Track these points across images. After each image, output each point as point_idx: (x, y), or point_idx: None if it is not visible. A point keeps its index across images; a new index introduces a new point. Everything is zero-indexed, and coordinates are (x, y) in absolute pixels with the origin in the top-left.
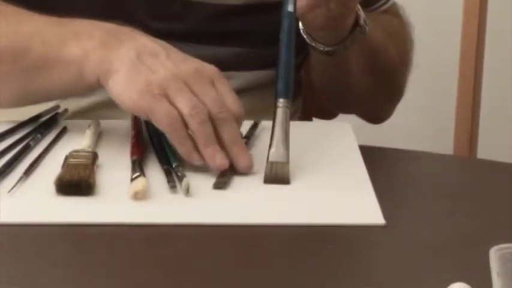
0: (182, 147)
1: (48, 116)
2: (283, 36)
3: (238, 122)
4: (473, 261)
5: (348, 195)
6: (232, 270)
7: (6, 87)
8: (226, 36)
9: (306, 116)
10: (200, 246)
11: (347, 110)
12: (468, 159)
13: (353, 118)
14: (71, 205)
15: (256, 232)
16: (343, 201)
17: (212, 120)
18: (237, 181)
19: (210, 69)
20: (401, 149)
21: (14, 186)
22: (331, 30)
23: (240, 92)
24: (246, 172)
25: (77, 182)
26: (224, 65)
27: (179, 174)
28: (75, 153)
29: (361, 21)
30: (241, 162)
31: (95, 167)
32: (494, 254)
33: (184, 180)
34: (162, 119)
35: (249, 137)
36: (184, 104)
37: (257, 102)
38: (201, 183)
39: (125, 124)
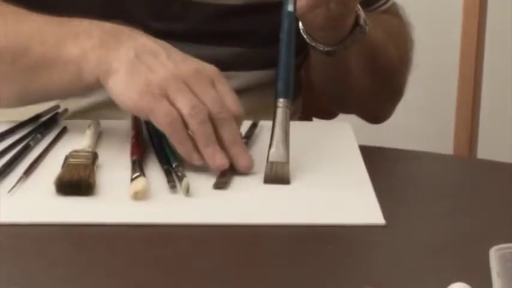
0: (182, 148)
1: (48, 116)
2: (283, 36)
3: (238, 122)
4: (473, 261)
5: (348, 195)
6: (232, 270)
7: (6, 87)
8: (226, 36)
9: (306, 116)
10: (200, 246)
11: (347, 110)
12: (468, 159)
13: (353, 118)
14: (71, 205)
15: (256, 232)
16: (343, 201)
17: (212, 120)
18: (237, 181)
19: (210, 69)
20: (401, 149)
21: (14, 186)
22: (331, 30)
23: (240, 92)
24: (246, 172)
25: (77, 182)
26: (224, 65)
27: (179, 174)
28: (75, 153)
29: (361, 21)
30: (241, 162)
31: (95, 167)
32: (494, 254)
33: (184, 180)
34: (162, 119)
35: (248, 137)
36: (184, 104)
37: (257, 102)
38: (201, 183)
39: (125, 124)
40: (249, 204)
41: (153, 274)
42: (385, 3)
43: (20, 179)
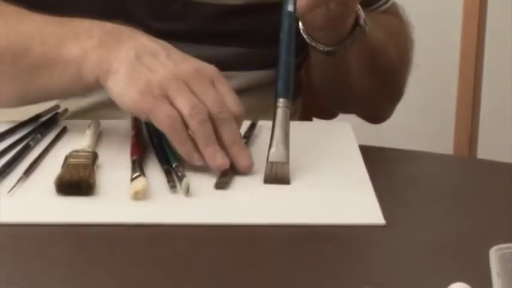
0: (183, 148)
1: (48, 116)
2: (283, 36)
3: (238, 121)
4: (473, 261)
5: (348, 195)
6: (232, 270)
7: (6, 87)
8: (226, 36)
9: (306, 116)
10: (200, 246)
11: (347, 110)
12: (468, 159)
13: (353, 118)
14: (71, 205)
15: (256, 232)
16: (343, 201)
17: (212, 120)
18: (237, 181)
19: (210, 69)
20: (401, 149)
21: (14, 186)
22: (331, 30)
23: (240, 92)
24: (247, 172)
25: (77, 182)
26: (224, 65)
27: (179, 174)
28: (75, 153)
29: (361, 21)
30: (241, 162)
31: (95, 167)
32: (494, 254)
33: (184, 180)
34: (162, 119)
35: (247, 137)
36: (184, 104)
37: (257, 102)
38: (201, 183)
39: (125, 124)
40: (249, 204)
41: (153, 274)
42: (385, 3)
43: (20, 179)
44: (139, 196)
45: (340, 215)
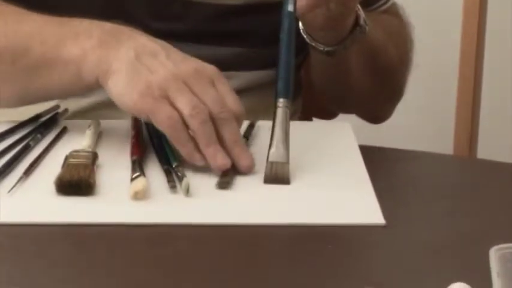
0: (184, 149)
1: (48, 116)
2: (283, 36)
3: (239, 121)
4: (473, 261)
5: (348, 195)
6: (232, 270)
7: (6, 87)
8: (226, 36)
9: (306, 116)
10: (200, 246)
11: (347, 110)
12: (468, 159)
13: (353, 118)
14: (71, 205)
15: (256, 232)
16: (343, 201)
17: (213, 120)
18: (237, 181)
19: (210, 69)
20: (401, 149)
21: (14, 186)
22: (331, 30)
23: (240, 92)
24: (248, 172)
25: (77, 182)
26: (224, 65)
27: (179, 174)
28: (75, 153)
29: (361, 21)
30: (243, 161)
31: (95, 167)
32: (494, 254)
33: (184, 180)
34: (163, 120)
35: (246, 137)
36: (184, 104)
37: (257, 102)
38: (201, 183)
39: (125, 124)
40: (249, 204)
41: (153, 274)
42: (385, 3)
43: (20, 179)
44: (139, 196)
45: (340, 215)
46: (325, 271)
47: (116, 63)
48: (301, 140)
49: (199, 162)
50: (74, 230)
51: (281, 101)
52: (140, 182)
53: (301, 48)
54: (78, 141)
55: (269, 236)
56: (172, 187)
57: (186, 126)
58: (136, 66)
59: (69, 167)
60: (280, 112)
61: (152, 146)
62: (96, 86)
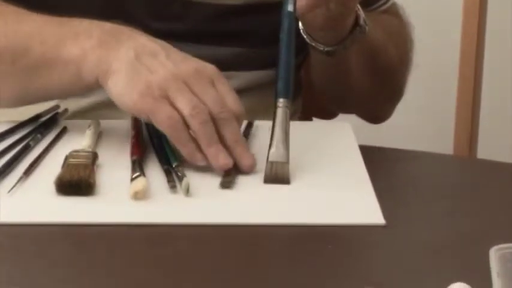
0: (185, 149)
1: (48, 116)
2: (283, 36)
3: (239, 121)
4: (473, 261)
5: (348, 195)
6: (232, 270)
7: (6, 87)
8: (226, 36)
9: (306, 116)
10: (200, 246)
11: (347, 110)
12: (468, 159)
13: (353, 118)
14: (71, 205)
15: (256, 232)
16: (343, 201)
17: (213, 120)
18: (237, 181)
19: (210, 69)
20: (401, 149)
21: (14, 186)
22: (331, 30)
23: (240, 92)
24: (250, 171)
25: (77, 182)
26: (224, 65)
27: (179, 174)
28: (75, 153)
29: (361, 21)
30: (245, 161)
31: (95, 167)
32: (494, 254)
33: (184, 180)
34: (163, 121)
35: (246, 137)
36: (184, 105)
37: (257, 102)
38: (201, 183)
39: (125, 124)
40: (249, 204)
41: (153, 274)
42: (385, 3)
43: (20, 179)
44: (139, 196)
45: (340, 215)
46: (325, 271)
47: (115, 63)
48: (301, 140)
49: (200, 162)
50: (74, 230)
51: (281, 101)
52: (140, 182)
53: (301, 48)
54: (78, 141)
55: (269, 236)
56: (172, 187)
57: (186, 126)
58: (136, 66)
59: (69, 167)
60: (280, 112)
61: (152, 146)
62: (96, 86)
